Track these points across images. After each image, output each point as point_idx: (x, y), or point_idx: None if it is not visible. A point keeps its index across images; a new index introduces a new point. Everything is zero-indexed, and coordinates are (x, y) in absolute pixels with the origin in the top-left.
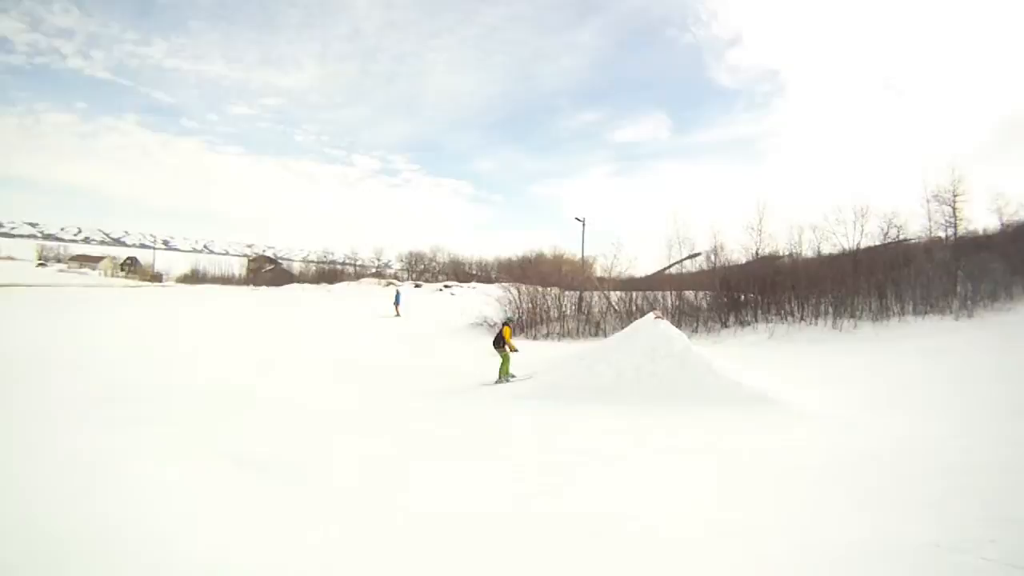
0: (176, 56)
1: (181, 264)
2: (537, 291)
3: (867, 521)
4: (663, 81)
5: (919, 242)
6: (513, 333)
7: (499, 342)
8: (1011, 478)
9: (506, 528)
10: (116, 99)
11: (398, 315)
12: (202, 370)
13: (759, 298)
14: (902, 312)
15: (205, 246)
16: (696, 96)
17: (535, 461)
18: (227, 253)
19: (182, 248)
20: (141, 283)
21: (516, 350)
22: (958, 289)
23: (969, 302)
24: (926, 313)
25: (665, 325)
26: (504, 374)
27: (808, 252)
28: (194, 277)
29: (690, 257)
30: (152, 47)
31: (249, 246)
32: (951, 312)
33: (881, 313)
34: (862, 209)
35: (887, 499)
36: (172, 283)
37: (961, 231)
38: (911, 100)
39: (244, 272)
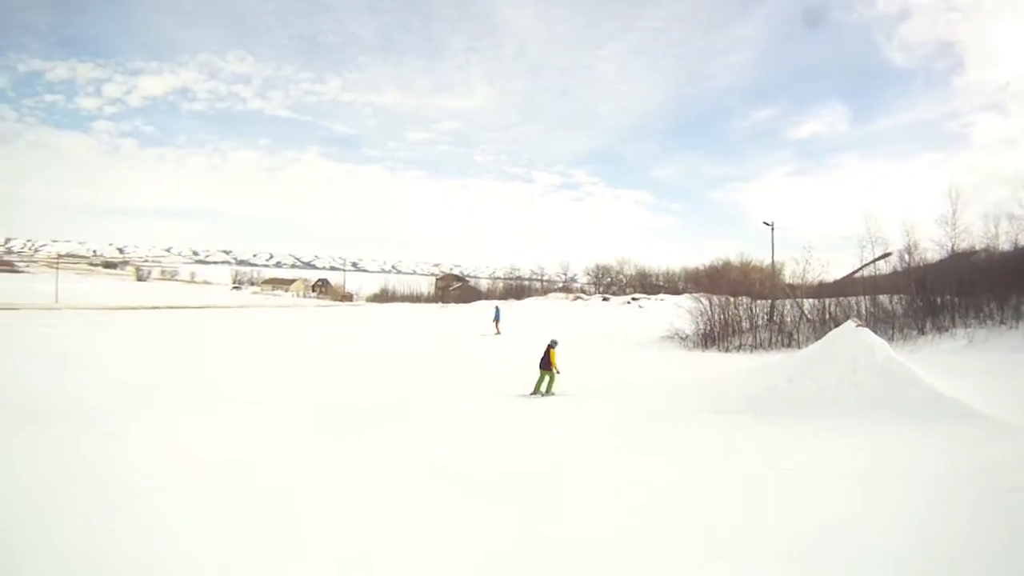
0: (351, 90)
1: (371, 284)
2: (728, 301)
3: None
4: (835, 68)
5: None
6: (704, 344)
7: (545, 363)
8: None
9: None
10: (297, 134)
11: (498, 333)
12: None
13: (956, 300)
14: None
15: (393, 266)
16: (871, 81)
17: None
18: (415, 272)
19: (371, 269)
20: (333, 303)
21: (560, 372)
22: None
23: None
24: None
25: (866, 334)
26: (546, 390)
27: (1006, 245)
28: (384, 296)
29: (882, 258)
30: (327, 84)
31: (436, 265)
32: None
33: None
34: None
35: None
36: (363, 302)
37: None
38: None
39: (432, 290)
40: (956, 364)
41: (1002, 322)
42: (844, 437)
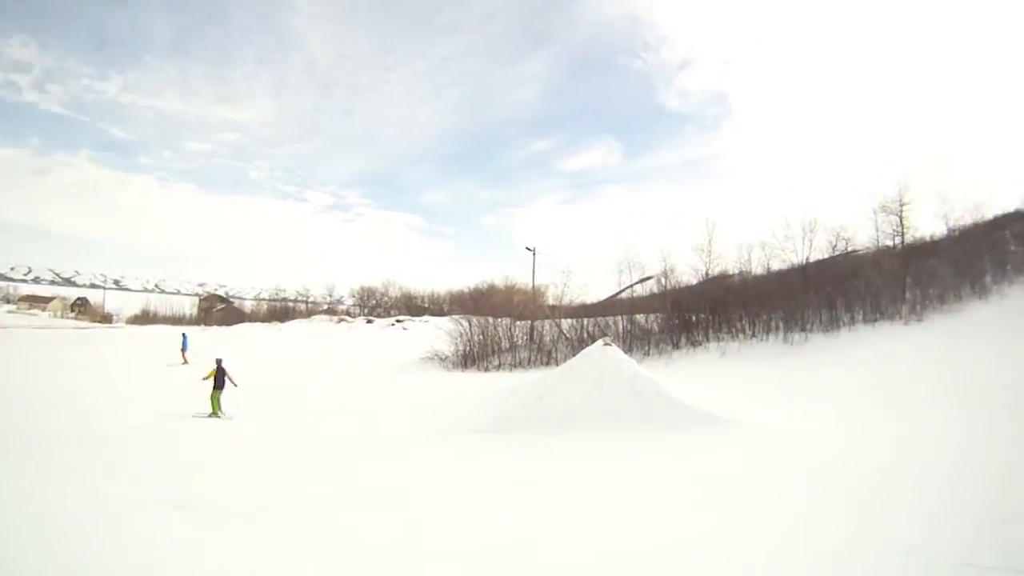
0: (132, 91)
1: (132, 304)
2: (488, 322)
3: (833, 527)
4: (614, 108)
5: (868, 252)
6: (464, 365)
7: (219, 383)
8: (965, 480)
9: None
10: (71, 135)
11: (185, 362)
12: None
13: (710, 318)
14: (852, 322)
15: (156, 285)
16: (646, 121)
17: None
18: (178, 292)
19: (133, 288)
20: (91, 325)
21: (236, 385)
22: (907, 295)
23: (918, 307)
24: (876, 321)
25: (613, 351)
26: (216, 410)
27: (758, 269)
28: (145, 318)
29: (641, 281)
30: (108, 82)
31: (201, 285)
32: (901, 318)
33: (831, 324)
34: (810, 224)
35: (848, 505)
36: (122, 324)
37: (909, 239)
38: (855, 115)
39: (195, 311)
40: (710, 375)
41: (753, 335)
42: (585, 448)
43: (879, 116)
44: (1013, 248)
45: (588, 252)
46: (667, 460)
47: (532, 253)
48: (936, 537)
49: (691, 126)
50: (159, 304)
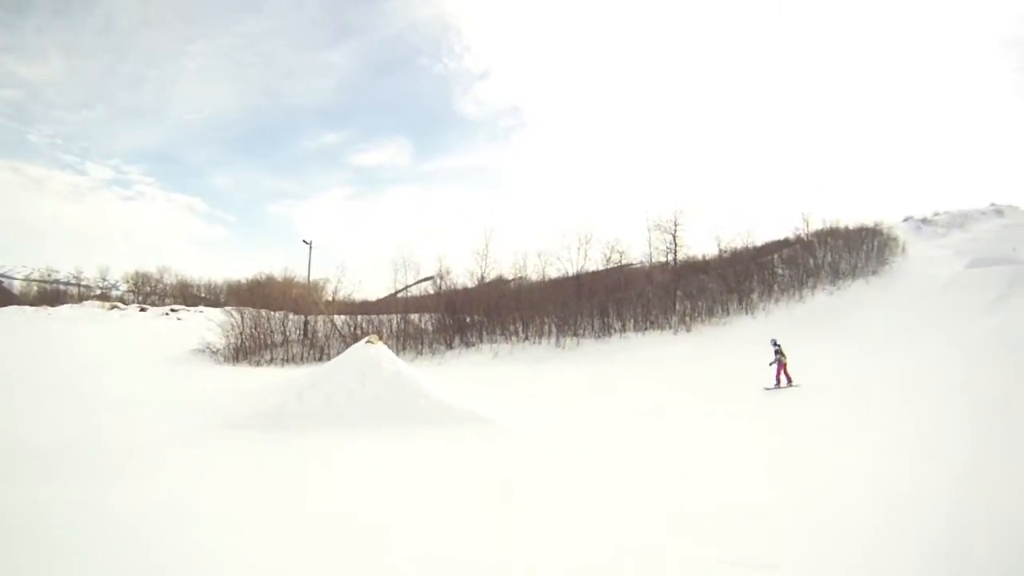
0: None
1: None
2: (261, 315)
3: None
4: (410, 108)
5: (642, 267)
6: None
7: None
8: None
9: None
10: None
11: None
12: None
13: (485, 320)
14: (623, 329)
15: None
16: (441, 125)
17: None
18: None
19: None
20: None
21: None
22: (677, 307)
23: (688, 318)
24: (647, 330)
25: (376, 349)
26: None
27: (534, 276)
28: None
29: (418, 282)
30: None
31: None
32: (671, 328)
33: (603, 331)
34: (587, 236)
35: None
36: None
37: (681, 257)
38: (633, 136)
39: None
40: (481, 375)
41: (527, 338)
42: (342, 446)
43: (658, 140)
44: (780, 271)
45: (369, 249)
46: (416, 456)
47: (309, 247)
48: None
49: (483, 134)
50: None
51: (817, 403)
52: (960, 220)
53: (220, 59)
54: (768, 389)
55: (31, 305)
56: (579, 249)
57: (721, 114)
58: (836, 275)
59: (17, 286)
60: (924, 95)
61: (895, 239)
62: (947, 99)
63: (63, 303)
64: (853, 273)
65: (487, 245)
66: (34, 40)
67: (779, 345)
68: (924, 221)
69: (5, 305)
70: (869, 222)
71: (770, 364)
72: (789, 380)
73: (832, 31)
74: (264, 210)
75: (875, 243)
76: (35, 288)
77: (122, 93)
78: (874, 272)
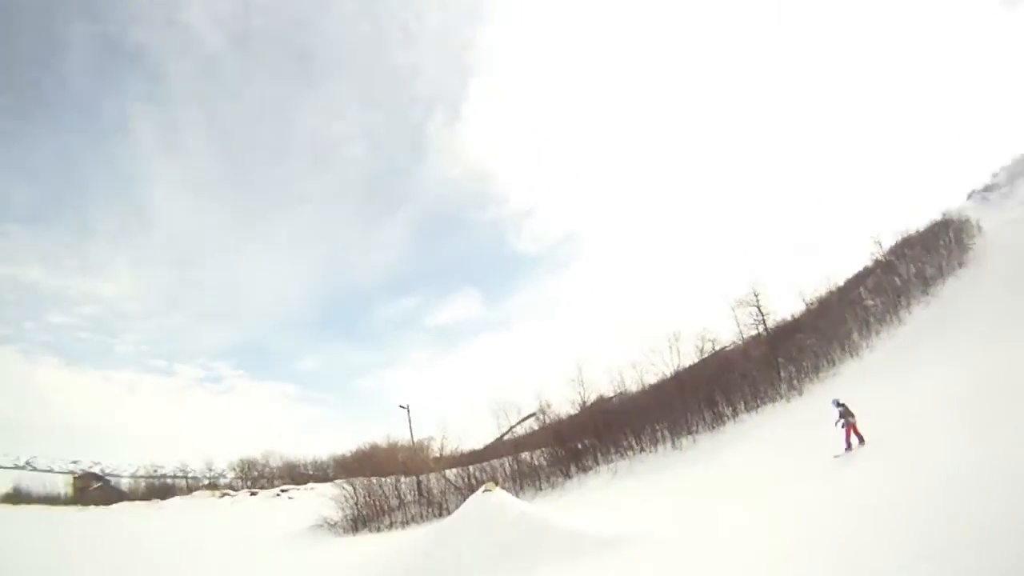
0: None
1: (2, 482)
2: (373, 482)
3: None
4: (471, 259)
5: (736, 347)
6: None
7: None
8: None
9: None
10: None
11: None
12: None
13: (596, 442)
14: (735, 413)
15: (27, 462)
16: (503, 267)
17: None
18: (51, 470)
19: (3, 464)
20: None
21: None
22: (782, 374)
23: (796, 382)
24: (758, 407)
25: (496, 496)
26: None
27: (634, 387)
28: (17, 497)
29: (521, 421)
30: None
31: (74, 462)
32: (782, 397)
33: (716, 421)
34: (675, 334)
35: None
36: None
37: (771, 324)
38: (697, 224)
39: (70, 491)
40: (603, 499)
41: (642, 450)
42: None
43: (716, 220)
44: (870, 302)
45: (465, 401)
46: None
47: (407, 411)
48: None
49: (545, 266)
50: (31, 482)
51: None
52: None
53: (282, 251)
54: (838, 456)
55: (141, 500)
56: (671, 348)
57: (765, 175)
58: (925, 283)
59: (125, 484)
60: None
61: (967, 221)
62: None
63: (172, 496)
64: (941, 274)
65: (580, 370)
66: (104, 259)
67: (843, 405)
68: (987, 189)
69: (116, 501)
70: (936, 215)
71: (839, 426)
72: (861, 440)
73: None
74: (355, 384)
75: (950, 234)
76: (143, 484)
77: (195, 297)
78: (960, 264)
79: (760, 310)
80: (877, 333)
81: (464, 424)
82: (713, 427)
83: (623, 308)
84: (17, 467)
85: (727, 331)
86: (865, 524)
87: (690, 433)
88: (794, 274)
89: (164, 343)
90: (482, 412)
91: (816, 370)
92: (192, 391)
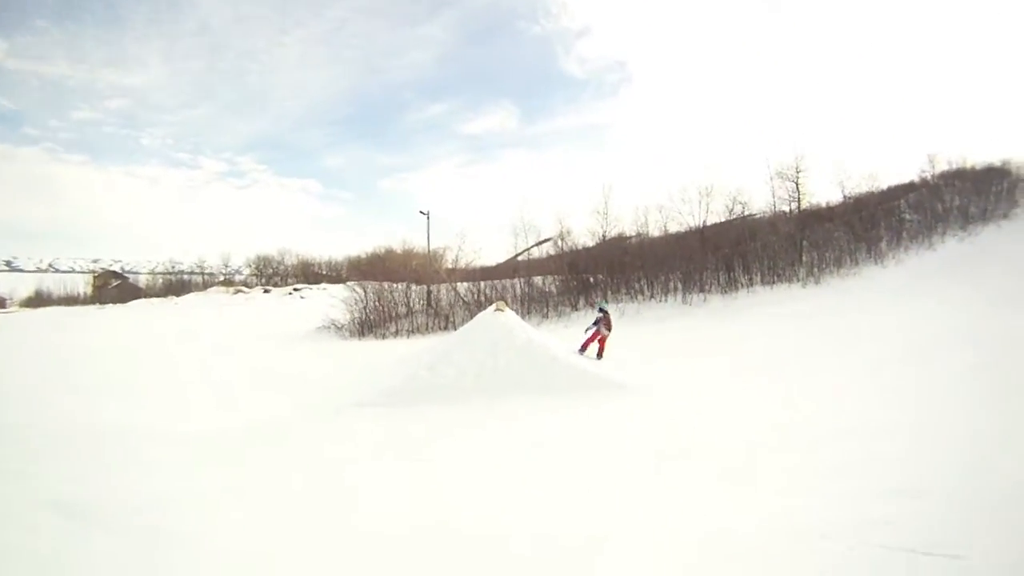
0: (19, 56)
1: (26, 285)
2: (384, 288)
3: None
4: (512, 73)
5: (764, 217)
6: (361, 333)
7: None
8: (881, 446)
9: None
10: None
11: None
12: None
13: (608, 279)
14: (750, 283)
15: (50, 265)
16: (545, 86)
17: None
18: (72, 271)
19: (26, 268)
20: None
21: None
22: (804, 258)
23: (816, 269)
24: (774, 283)
25: (506, 316)
26: None
27: (655, 232)
28: (39, 299)
29: (538, 244)
30: None
31: (95, 261)
32: (798, 280)
33: (730, 286)
34: (707, 188)
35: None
36: (16, 308)
37: (805, 205)
38: (751, 82)
39: (90, 290)
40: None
41: (652, 296)
42: (480, 420)
43: (775, 82)
44: (908, 217)
45: (486, 216)
46: (559, 425)
47: (426, 217)
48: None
49: (590, 92)
50: (53, 284)
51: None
52: None
53: (316, 46)
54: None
55: (157, 297)
56: (700, 202)
57: (840, 49)
58: (966, 220)
59: (143, 280)
60: None
61: None
62: None
63: (188, 292)
64: (983, 217)
65: (606, 202)
66: (133, 50)
67: (605, 312)
68: None
69: (132, 299)
70: (997, 161)
71: (586, 331)
72: (599, 355)
73: None
74: (377, 185)
75: (1004, 184)
76: (160, 281)
77: (224, 89)
78: (1004, 216)
79: (798, 186)
80: (906, 249)
81: (482, 239)
82: (726, 291)
83: (660, 149)
84: (40, 270)
85: (759, 199)
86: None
87: (702, 291)
88: (839, 163)
89: (190, 136)
90: (501, 229)
91: (838, 264)
92: (214, 186)
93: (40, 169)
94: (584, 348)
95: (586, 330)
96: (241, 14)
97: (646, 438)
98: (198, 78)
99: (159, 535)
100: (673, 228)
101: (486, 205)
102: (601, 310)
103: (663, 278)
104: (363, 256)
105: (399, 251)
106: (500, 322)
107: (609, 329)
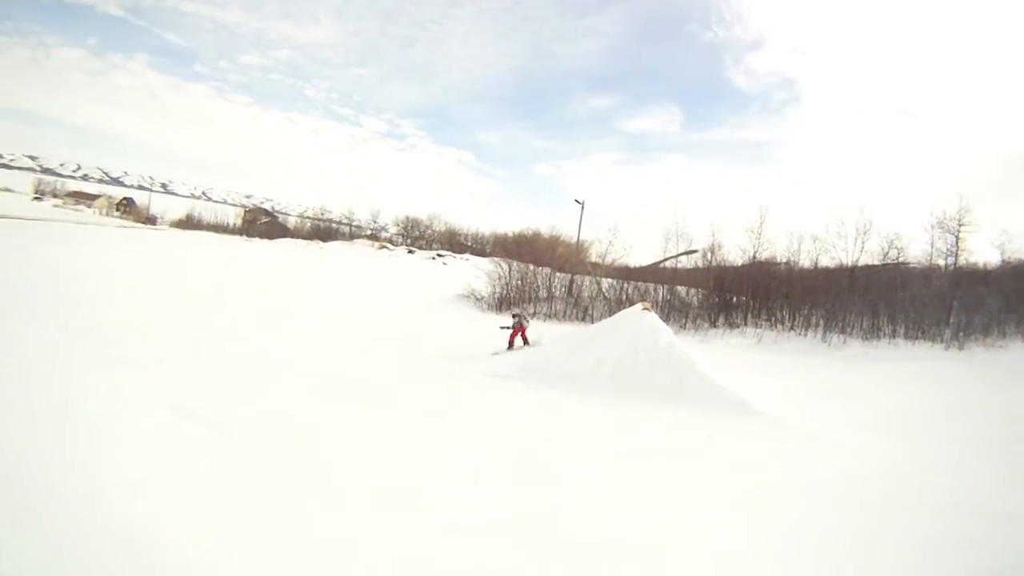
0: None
1: (178, 208)
2: (528, 269)
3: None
4: (678, 75)
5: (918, 267)
6: (499, 308)
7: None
8: (1006, 527)
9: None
10: (129, 38)
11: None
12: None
13: (751, 302)
14: (893, 335)
15: (204, 193)
16: (710, 94)
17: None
18: (225, 202)
19: (180, 193)
20: (135, 224)
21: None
22: (951, 319)
23: (961, 333)
24: (917, 339)
25: (652, 318)
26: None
27: (805, 262)
28: (189, 223)
29: (686, 253)
30: None
31: (248, 196)
32: (942, 341)
33: (872, 333)
34: (864, 226)
35: (874, 534)
36: (166, 227)
37: (961, 262)
38: (923, 126)
39: (239, 222)
40: (743, 360)
41: (792, 328)
42: (613, 413)
43: (946, 131)
44: None
45: (636, 215)
46: (695, 444)
47: (581, 206)
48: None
49: (755, 107)
50: (204, 211)
51: None
52: None
53: (486, 22)
54: (496, 354)
55: (304, 239)
56: (856, 239)
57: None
58: None
59: (292, 222)
60: None
61: None
62: None
63: (334, 240)
64: None
65: (761, 223)
66: (307, 5)
67: (519, 316)
68: None
69: (280, 237)
70: None
71: (504, 328)
72: (525, 341)
73: None
74: (531, 168)
75: None
76: (308, 224)
77: (393, 54)
78: None
79: (958, 241)
80: None
81: (630, 238)
82: (867, 337)
83: (819, 177)
84: (193, 196)
85: (916, 247)
86: None
87: (843, 332)
88: (1003, 224)
89: (353, 94)
90: (649, 232)
91: (985, 332)
92: (372, 144)
93: (206, 103)
94: (511, 345)
95: (501, 328)
96: None
97: (773, 472)
98: (368, 40)
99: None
100: (824, 262)
101: (637, 205)
102: (515, 316)
103: (805, 311)
104: (509, 234)
105: (546, 235)
106: (646, 321)
107: (528, 321)
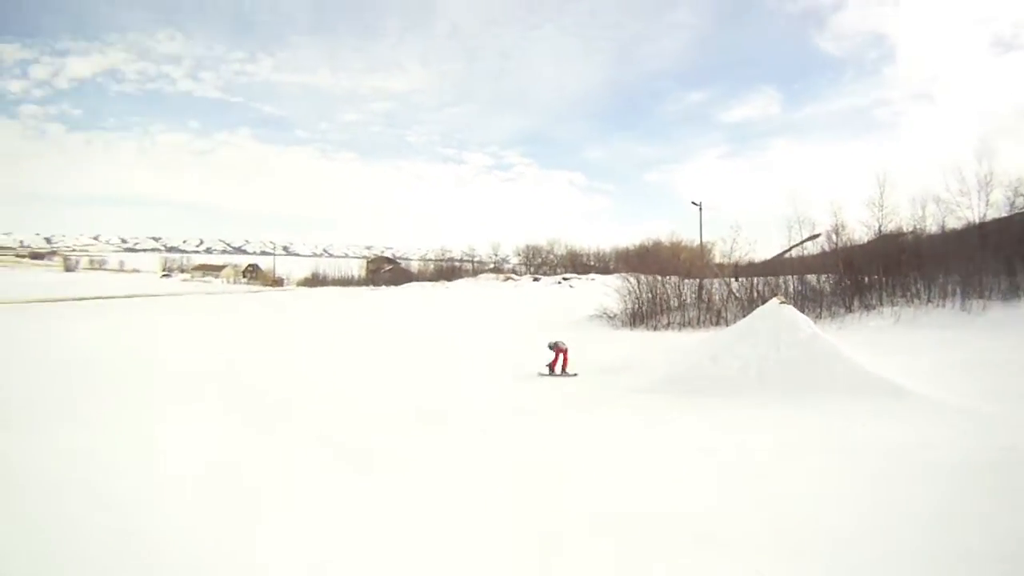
0: (283, 71)
1: (302, 268)
2: (656, 280)
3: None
4: (767, 55)
5: None
6: (632, 323)
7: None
8: None
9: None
10: (228, 116)
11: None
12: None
13: (883, 279)
14: None
15: (325, 250)
16: (803, 68)
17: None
18: (346, 256)
19: (302, 253)
20: (263, 288)
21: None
22: None
23: None
24: None
25: (789, 310)
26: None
27: (933, 228)
28: (315, 280)
29: (810, 239)
30: (258, 64)
31: (368, 248)
32: None
33: (1011, 292)
34: (986, 176)
35: None
36: (293, 287)
37: None
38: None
39: (363, 273)
40: (883, 341)
41: (929, 300)
42: (765, 413)
43: None
44: None
45: (752, 208)
46: (859, 434)
47: (699, 208)
48: None
49: (851, 71)
50: (328, 267)
51: None
52: None
53: (568, 38)
54: (543, 375)
55: (429, 281)
56: (980, 193)
57: None
58: None
59: (415, 266)
60: None
61: None
62: None
63: (459, 278)
64: None
65: (882, 193)
66: (391, 57)
67: (556, 344)
68: None
69: (405, 282)
70: None
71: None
72: (564, 370)
73: None
74: (640, 177)
75: None
76: (431, 267)
77: (484, 87)
78: None
79: None
80: None
81: (751, 233)
82: (1007, 297)
83: (934, 132)
84: (315, 255)
85: None
86: None
87: (981, 297)
88: None
89: (454, 133)
90: (769, 223)
91: None
92: (480, 178)
93: (313, 164)
94: (551, 370)
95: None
96: (491, 15)
97: (934, 453)
98: (458, 79)
99: None
100: (951, 223)
101: (752, 197)
102: (550, 347)
103: (940, 280)
104: (631, 248)
105: (667, 243)
106: (784, 315)
107: (566, 349)
